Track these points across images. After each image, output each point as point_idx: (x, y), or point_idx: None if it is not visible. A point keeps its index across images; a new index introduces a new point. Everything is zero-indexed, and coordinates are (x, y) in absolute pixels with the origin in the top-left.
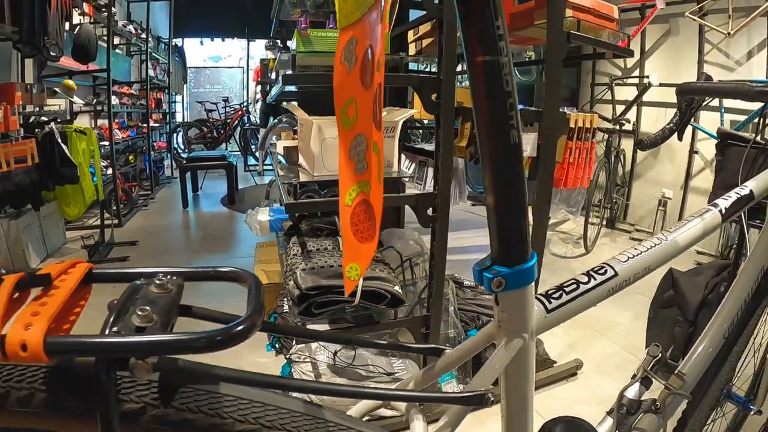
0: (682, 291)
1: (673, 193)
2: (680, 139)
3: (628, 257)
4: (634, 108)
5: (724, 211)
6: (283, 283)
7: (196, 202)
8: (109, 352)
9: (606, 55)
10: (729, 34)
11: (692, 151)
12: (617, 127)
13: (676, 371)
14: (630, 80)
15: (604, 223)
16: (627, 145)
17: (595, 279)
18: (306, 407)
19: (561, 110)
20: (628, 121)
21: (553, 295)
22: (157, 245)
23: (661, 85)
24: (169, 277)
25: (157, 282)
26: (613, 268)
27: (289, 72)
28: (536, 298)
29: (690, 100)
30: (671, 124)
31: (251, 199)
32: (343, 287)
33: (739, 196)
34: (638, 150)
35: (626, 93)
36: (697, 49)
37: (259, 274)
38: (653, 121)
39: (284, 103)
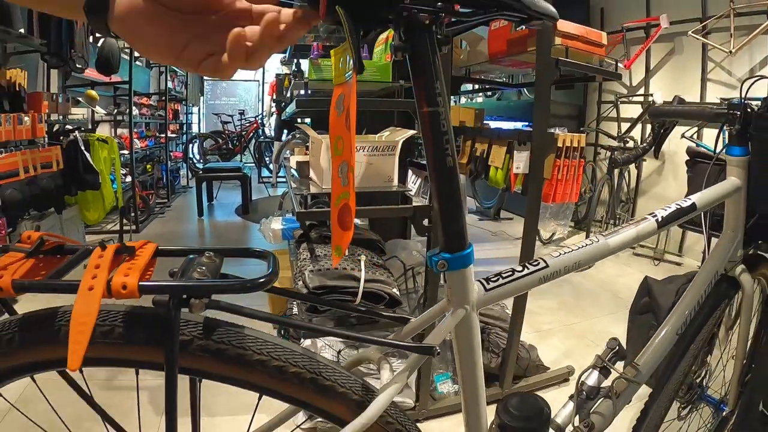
0: (655, 297)
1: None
2: (656, 157)
3: (561, 253)
4: (639, 125)
5: (660, 220)
6: (293, 286)
7: (211, 211)
8: (181, 291)
9: (596, 79)
10: (731, 52)
11: None
12: (621, 145)
13: (631, 362)
14: (635, 98)
15: None
16: None
17: (528, 269)
18: (305, 351)
19: (550, 131)
20: (632, 139)
21: (492, 279)
22: None
23: (665, 103)
24: (213, 253)
25: (206, 255)
26: (545, 261)
27: (302, 92)
28: (477, 280)
29: (662, 121)
30: (645, 144)
31: (264, 209)
32: (346, 287)
33: (679, 207)
34: (613, 168)
35: (631, 111)
36: (701, 68)
37: None
38: None
39: (299, 120)
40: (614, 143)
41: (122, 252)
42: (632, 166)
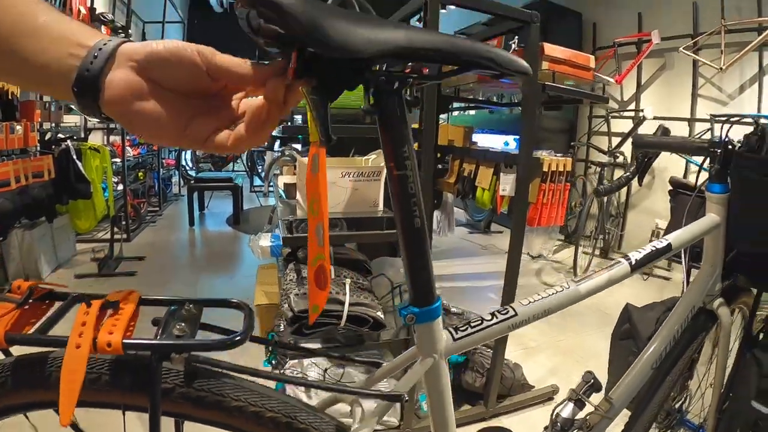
0: (635, 325)
1: (666, 224)
2: (640, 184)
3: (530, 301)
4: (629, 140)
5: (634, 263)
6: (281, 305)
7: (202, 220)
8: (162, 350)
9: (583, 101)
10: (721, 68)
11: None
12: (612, 159)
13: (606, 396)
14: (626, 113)
15: (597, 252)
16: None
17: (497, 317)
18: (279, 395)
19: (536, 155)
20: (622, 154)
21: (461, 328)
22: (163, 262)
23: (655, 118)
24: (192, 305)
25: (186, 307)
26: (514, 310)
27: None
28: (446, 328)
29: (645, 151)
30: (628, 173)
31: (255, 220)
32: (331, 311)
33: (654, 249)
34: (595, 196)
35: (622, 125)
36: (691, 83)
37: (260, 296)
38: None
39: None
40: (605, 158)
41: (107, 307)
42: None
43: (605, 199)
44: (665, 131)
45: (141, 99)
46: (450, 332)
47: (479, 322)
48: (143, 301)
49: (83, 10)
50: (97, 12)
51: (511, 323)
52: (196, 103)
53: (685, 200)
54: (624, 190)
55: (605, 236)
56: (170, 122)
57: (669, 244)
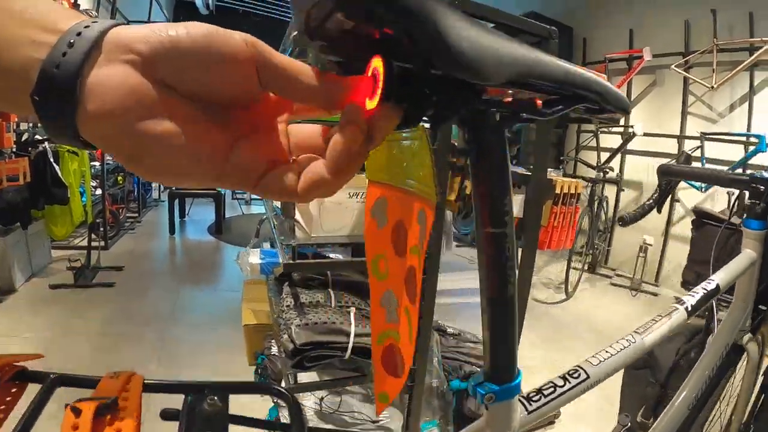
0: (654, 354)
1: (654, 240)
2: (659, 212)
3: (600, 360)
4: (618, 156)
5: (690, 308)
6: (277, 331)
7: (183, 228)
8: None
9: (592, 120)
10: (712, 87)
11: (673, 200)
12: (601, 175)
13: None
14: (615, 129)
15: (586, 268)
16: (610, 192)
17: (569, 382)
18: None
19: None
20: (612, 169)
21: (533, 398)
22: (143, 273)
23: (645, 134)
24: (217, 397)
25: (209, 400)
26: (585, 372)
27: None
28: (519, 399)
29: (669, 179)
30: (651, 201)
31: (238, 229)
32: (335, 342)
33: (706, 291)
34: (621, 225)
35: (611, 141)
36: (681, 101)
37: (248, 314)
38: (636, 169)
39: None
40: (593, 173)
41: (103, 411)
42: (611, 196)
43: (595, 214)
44: (688, 158)
45: (148, 114)
46: (523, 404)
47: (552, 388)
48: (147, 386)
49: (66, 5)
50: (80, 9)
51: (584, 386)
52: (236, 121)
53: (711, 231)
54: (611, 205)
55: (593, 252)
56: (198, 151)
57: (717, 285)
